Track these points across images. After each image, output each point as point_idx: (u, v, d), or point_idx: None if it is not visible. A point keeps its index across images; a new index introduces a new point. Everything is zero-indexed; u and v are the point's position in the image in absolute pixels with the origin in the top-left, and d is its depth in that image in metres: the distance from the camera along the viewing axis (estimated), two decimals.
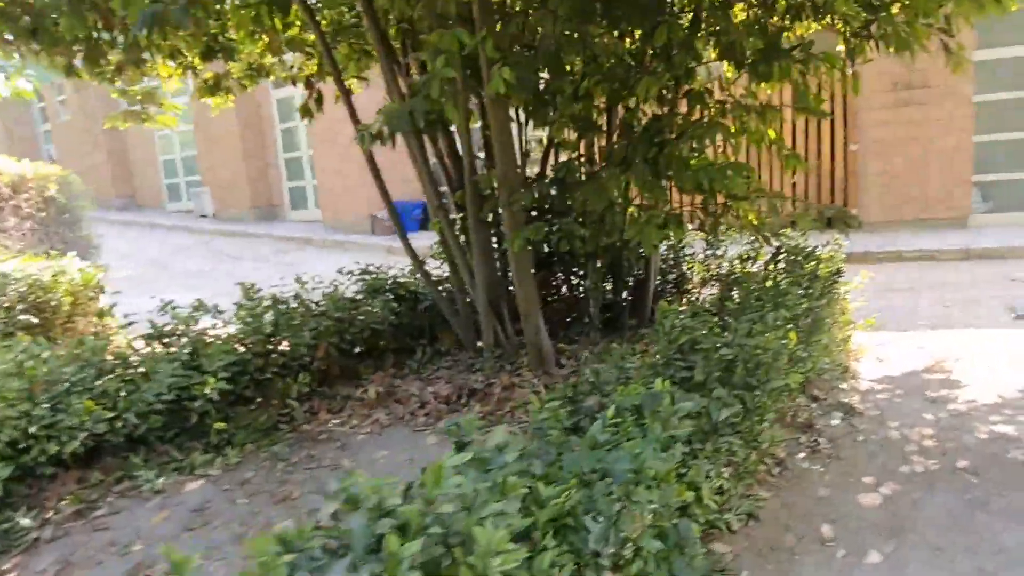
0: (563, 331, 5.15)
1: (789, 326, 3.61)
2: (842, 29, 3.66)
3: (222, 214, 16.22)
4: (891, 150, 9.37)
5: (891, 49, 3.40)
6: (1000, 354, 4.72)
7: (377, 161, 4.77)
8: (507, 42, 3.39)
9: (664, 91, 4.08)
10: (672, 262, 5.72)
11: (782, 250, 4.34)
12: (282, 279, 5.09)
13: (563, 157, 4.78)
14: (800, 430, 3.62)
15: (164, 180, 19.00)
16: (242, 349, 4.29)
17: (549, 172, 4.83)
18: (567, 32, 3.69)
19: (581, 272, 5.08)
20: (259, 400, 4.34)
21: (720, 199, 3.90)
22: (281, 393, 4.30)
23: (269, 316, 4.54)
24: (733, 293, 4.11)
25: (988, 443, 3.41)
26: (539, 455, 2.13)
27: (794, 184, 10.35)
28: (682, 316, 3.53)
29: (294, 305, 4.72)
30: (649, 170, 3.63)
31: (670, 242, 5.61)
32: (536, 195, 4.77)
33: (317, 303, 4.88)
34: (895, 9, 3.59)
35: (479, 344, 4.86)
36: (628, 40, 4.44)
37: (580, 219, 4.01)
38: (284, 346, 4.46)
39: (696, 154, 3.89)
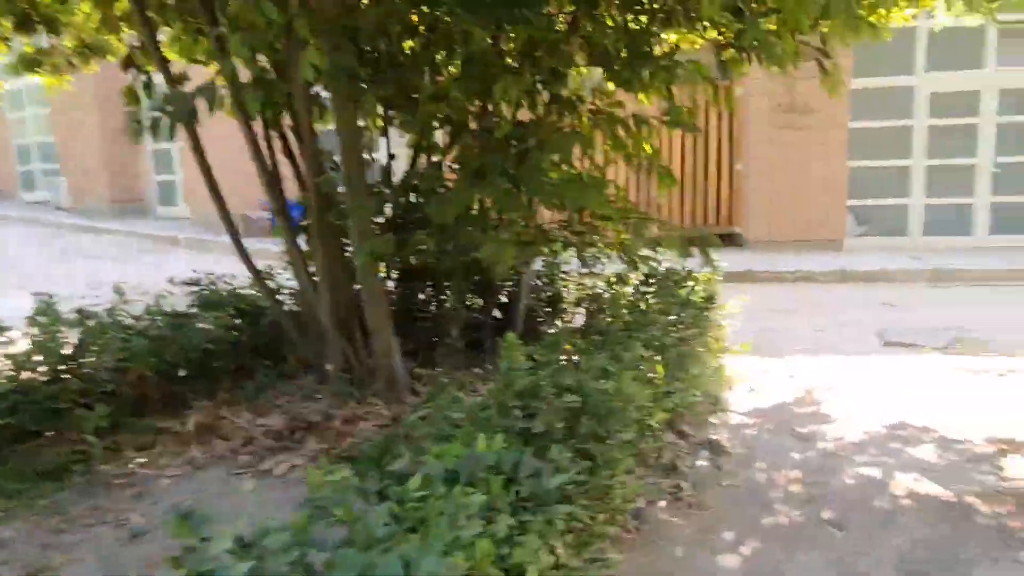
0: (428, 352, 4.69)
1: (657, 357, 3.32)
2: (717, 38, 3.41)
3: (80, 207, 14.73)
4: (775, 171, 9.49)
5: (763, 63, 3.17)
6: (868, 383, 4.65)
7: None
8: (329, 22, 2.91)
9: (532, 96, 3.71)
10: (547, 280, 5.37)
11: (652, 274, 4.06)
12: (88, 289, 4.36)
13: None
14: (663, 473, 3.32)
15: (18, 167, 17.15)
16: (27, 374, 3.60)
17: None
18: (418, 20, 3.26)
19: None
20: (51, 435, 3.65)
21: (585, 217, 3.56)
22: (77, 427, 3.62)
23: (75, 333, 3.88)
24: (601, 317, 3.79)
25: (854, 488, 3.22)
26: (318, 545, 1.67)
27: (682, 202, 10.34)
28: (546, 340, 3.16)
29: (108, 320, 4.06)
30: (507, 182, 3.24)
31: (547, 258, 5.27)
32: (395, 203, 4.33)
33: (137, 318, 4.22)
34: (771, 22, 3.36)
35: (328, 367, 4.33)
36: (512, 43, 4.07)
37: (434, 233, 3.57)
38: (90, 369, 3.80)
39: (563, 166, 3.54)
